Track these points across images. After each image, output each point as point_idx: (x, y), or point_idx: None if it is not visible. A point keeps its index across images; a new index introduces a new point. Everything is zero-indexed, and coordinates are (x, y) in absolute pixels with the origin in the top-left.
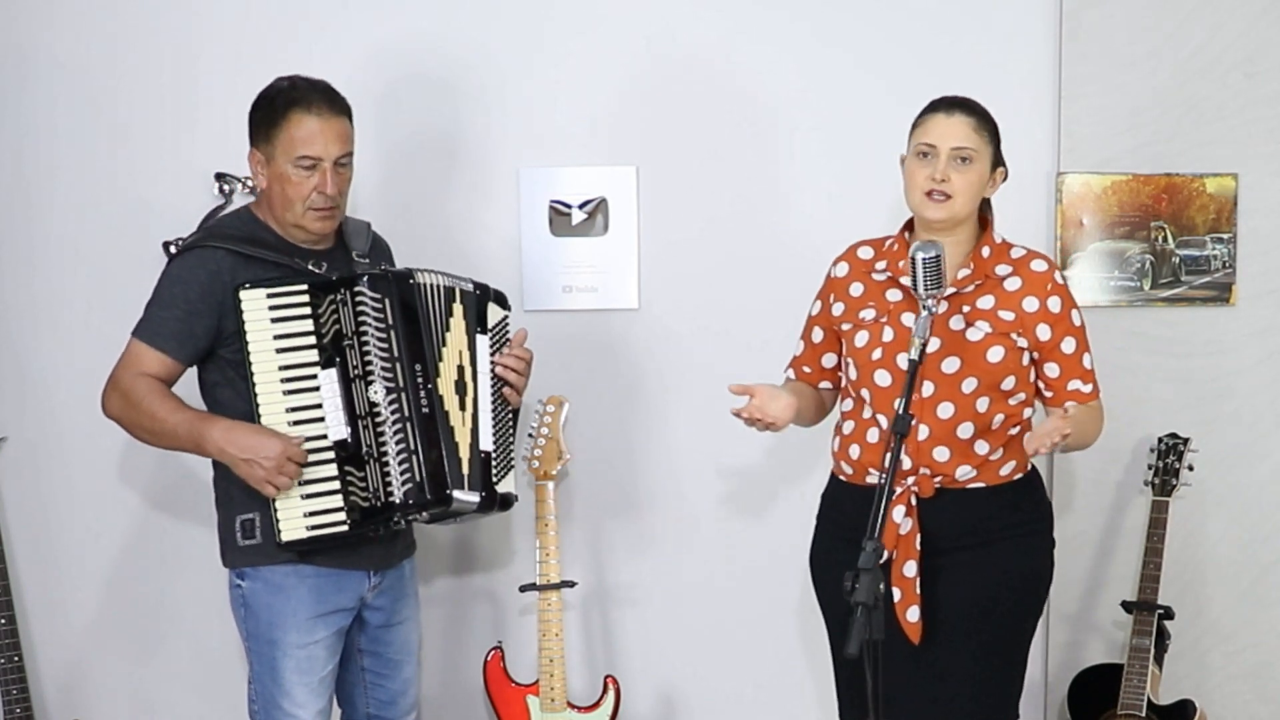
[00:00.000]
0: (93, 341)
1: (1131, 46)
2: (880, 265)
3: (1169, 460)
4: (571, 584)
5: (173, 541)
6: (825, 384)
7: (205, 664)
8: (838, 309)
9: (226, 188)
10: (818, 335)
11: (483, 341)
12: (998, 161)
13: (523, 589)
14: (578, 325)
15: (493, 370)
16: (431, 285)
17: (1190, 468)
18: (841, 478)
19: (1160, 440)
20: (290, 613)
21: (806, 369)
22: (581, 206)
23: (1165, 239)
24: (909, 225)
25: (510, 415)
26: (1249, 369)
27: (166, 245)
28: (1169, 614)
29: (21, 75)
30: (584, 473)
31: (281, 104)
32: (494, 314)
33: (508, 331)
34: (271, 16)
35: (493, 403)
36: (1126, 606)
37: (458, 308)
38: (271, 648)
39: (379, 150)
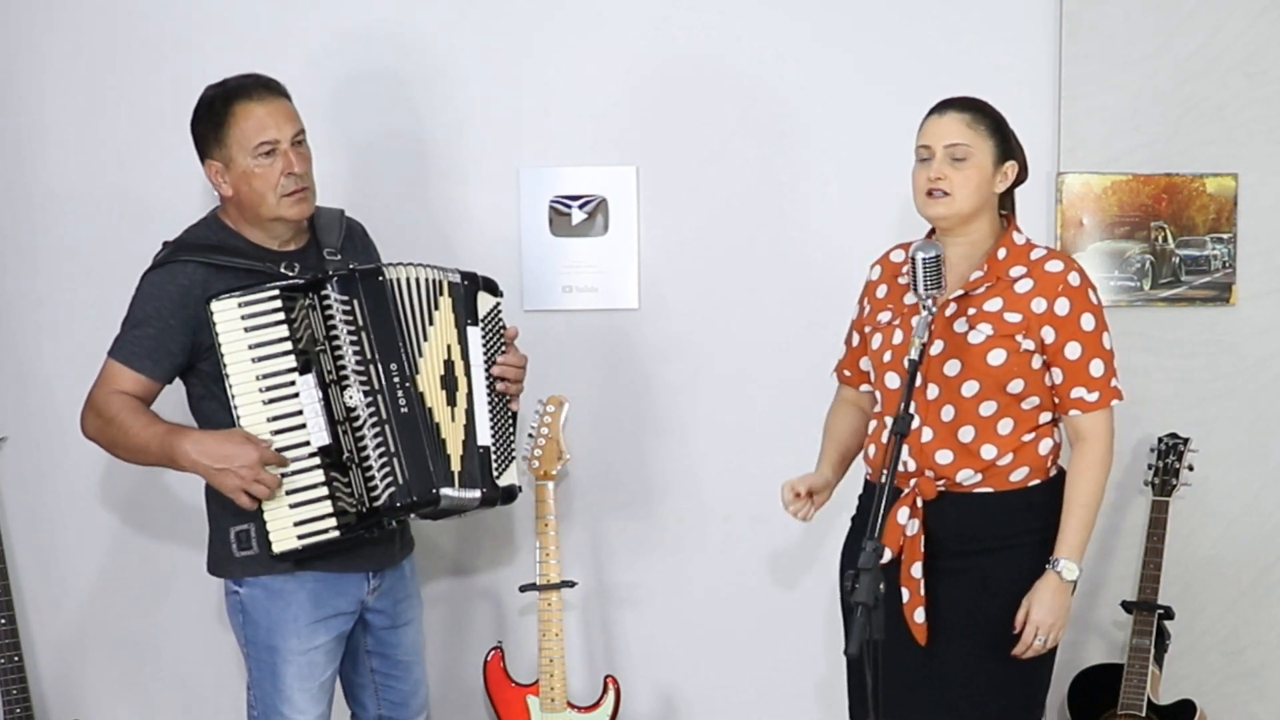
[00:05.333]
0: (93, 341)
1: (1131, 46)
2: (906, 269)
3: (1169, 460)
4: (571, 584)
5: (173, 541)
6: (865, 386)
7: (206, 664)
8: (867, 311)
9: None
10: (855, 339)
11: (474, 334)
12: (1005, 156)
13: (523, 589)
14: (578, 325)
15: (487, 366)
16: (406, 280)
17: (1190, 468)
18: (867, 478)
19: (1160, 440)
20: (290, 619)
21: (847, 372)
22: (581, 206)
23: (1165, 239)
24: (933, 230)
25: (507, 408)
26: (1249, 369)
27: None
28: (1169, 614)
29: (21, 75)
30: (584, 473)
31: (222, 103)
32: (485, 303)
33: (501, 320)
34: (272, 14)
35: (489, 396)
36: (1126, 606)
37: (444, 301)
38: (272, 654)
39: (378, 150)
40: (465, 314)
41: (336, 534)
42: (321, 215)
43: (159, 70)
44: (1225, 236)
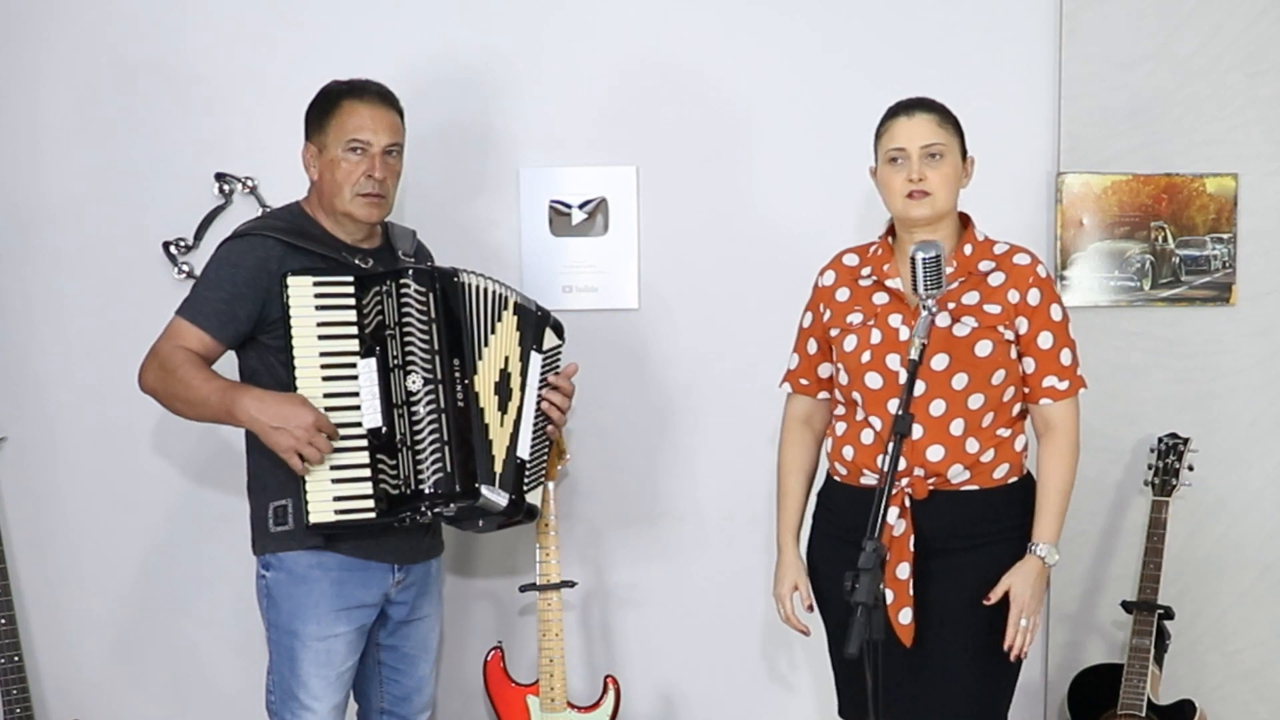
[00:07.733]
0: (92, 341)
1: (1131, 46)
2: (865, 271)
3: (1169, 460)
4: (571, 584)
5: (173, 541)
6: (823, 394)
7: (206, 663)
8: (827, 316)
9: (226, 188)
10: (813, 346)
11: (536, 359)
12: (964, 151)
13: (523, 589)
14: (578, 325)
15: (539, 389)
16: (476, 287)
17: (1190, 468)
18: (836, 478)
19: (1160, 440)
20: (312, 604)
21: (804, 381)
22: (581, 206)
23: (1165, 239)
24: (891, 230)
25: (546, 434)
26: (1249, 369)
27: (166, 245)
28: (1169, 614)
29: (22, 75)
30: (584, 473)
31: (336, 95)
32: (550, 339)
33: (559, 361)
34: (272, 17)
35: (535, 416)
36: (1126, 606)
37: (509, 316)
38: (291, 638)
39: None
40: (532, 339)
41: (373, 515)
42: (395, 228)
43: (157, 73)
44: (1225, 236)
